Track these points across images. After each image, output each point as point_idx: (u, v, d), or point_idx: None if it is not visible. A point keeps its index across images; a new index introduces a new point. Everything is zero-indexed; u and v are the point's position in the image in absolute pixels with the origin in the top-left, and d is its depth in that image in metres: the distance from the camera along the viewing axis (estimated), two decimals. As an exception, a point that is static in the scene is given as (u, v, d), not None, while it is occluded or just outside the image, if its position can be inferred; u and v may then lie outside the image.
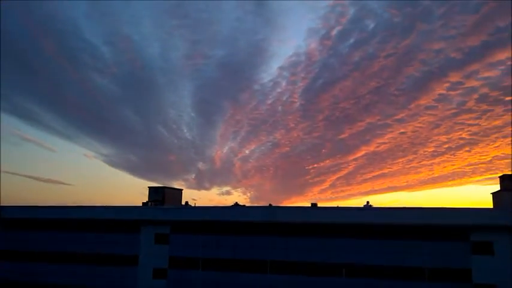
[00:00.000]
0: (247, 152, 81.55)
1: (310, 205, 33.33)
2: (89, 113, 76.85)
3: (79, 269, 32.43)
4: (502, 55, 55.86)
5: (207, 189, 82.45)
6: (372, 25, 65.31)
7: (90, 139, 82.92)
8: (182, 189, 40.11)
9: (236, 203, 37.47)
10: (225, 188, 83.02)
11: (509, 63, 55.92)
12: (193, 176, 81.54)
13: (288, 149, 78.67)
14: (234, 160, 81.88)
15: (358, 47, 66.34)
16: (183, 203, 38.91)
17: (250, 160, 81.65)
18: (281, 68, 75.05)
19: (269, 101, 76.50)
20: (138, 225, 31.78)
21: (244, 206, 35.94)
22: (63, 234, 33.73)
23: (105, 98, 76.38)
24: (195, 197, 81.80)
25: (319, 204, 33.33)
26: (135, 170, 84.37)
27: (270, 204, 32.69)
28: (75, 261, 32.73)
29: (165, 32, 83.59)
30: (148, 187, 38.02)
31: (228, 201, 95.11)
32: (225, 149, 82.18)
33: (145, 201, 37.32)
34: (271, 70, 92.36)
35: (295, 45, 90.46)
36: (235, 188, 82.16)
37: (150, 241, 31.46)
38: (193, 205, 38.12)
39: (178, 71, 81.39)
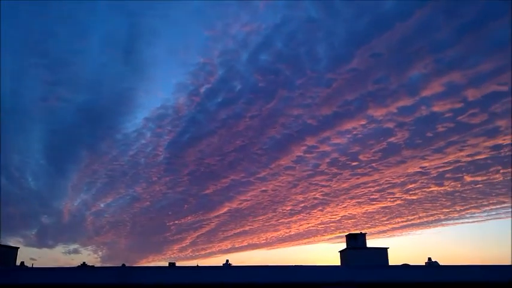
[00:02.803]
0: (102, 205, 74.55)
1: (167, 264, 31.79)
2: None
3: None
4: (349, 125, 63.24)
5: (50, 247, 72.42)
6: (238, 87, 68.75)
7: None
8: (18, 247, 34.53)
9: (84, 263, 33.75)
10: (73, 246, 73.52)
11: (354, 132, 63.44)
12: (34, 231, 71.23)
13: (148, 203, 74.75)
14: (86, 214, 73.99)
15: (226, 105, 68.73)
16: (18, 263, 33.50)
17: (106, 215, 74.85)
18: (147, 119, 72.30)
19: (131, 152, 72.66)
20: (-48, 293, 25.86)
21: (93, 266, 32.52)
22: None
23: None
24: (34, 256, 70.49)
25: (178, 263, 32.05)
26: (-40, 224, 70.54)
27: (123, 264, 30.14)
28: None
29: (19, 69, 75.06)
30: (-26, 245, 31.92)
31: (76, 261, 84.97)
32: (77, 202, 73.89)
33: (-33, 262, 30.98)
34: (136, 120, 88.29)
35: (163, 98, 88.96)
36: (84, 245, 73.63)
37: (-34, 312, 25.65)
38: (30, 266, 33.08)
39: (30, 113, 72.58)
